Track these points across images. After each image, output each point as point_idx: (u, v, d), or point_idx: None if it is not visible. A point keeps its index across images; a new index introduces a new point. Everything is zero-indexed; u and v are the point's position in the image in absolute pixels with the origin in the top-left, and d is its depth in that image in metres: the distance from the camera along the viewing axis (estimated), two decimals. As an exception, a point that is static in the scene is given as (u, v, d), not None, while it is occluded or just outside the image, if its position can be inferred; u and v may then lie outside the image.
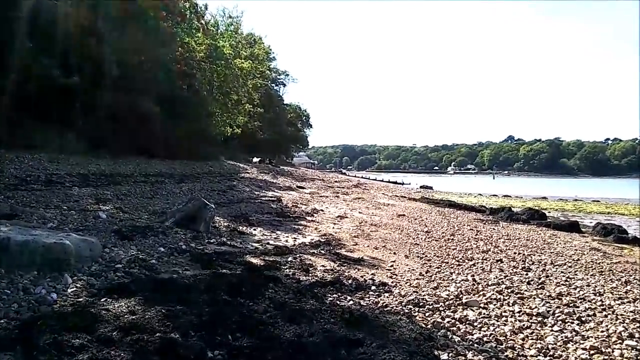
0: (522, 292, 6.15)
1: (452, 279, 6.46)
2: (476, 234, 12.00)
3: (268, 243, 7.34)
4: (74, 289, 4.15)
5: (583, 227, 16.45)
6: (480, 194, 43.57)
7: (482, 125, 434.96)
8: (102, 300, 3.92)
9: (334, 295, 4.95)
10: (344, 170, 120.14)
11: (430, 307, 5.04)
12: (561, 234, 14.33)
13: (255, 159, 34.61)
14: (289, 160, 63.21)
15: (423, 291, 5.63)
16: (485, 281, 6.57)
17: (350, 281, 5.55)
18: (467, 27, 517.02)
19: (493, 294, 5.85)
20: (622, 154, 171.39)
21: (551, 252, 10.09)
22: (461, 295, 5.60)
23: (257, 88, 30.61)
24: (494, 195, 42.78)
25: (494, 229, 13.82)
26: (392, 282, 5.86)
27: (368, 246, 8.29)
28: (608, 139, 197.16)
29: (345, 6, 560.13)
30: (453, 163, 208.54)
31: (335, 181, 33.30)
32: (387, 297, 5.21)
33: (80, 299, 3.92)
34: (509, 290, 6.13)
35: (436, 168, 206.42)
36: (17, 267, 4.25)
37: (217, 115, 24.21)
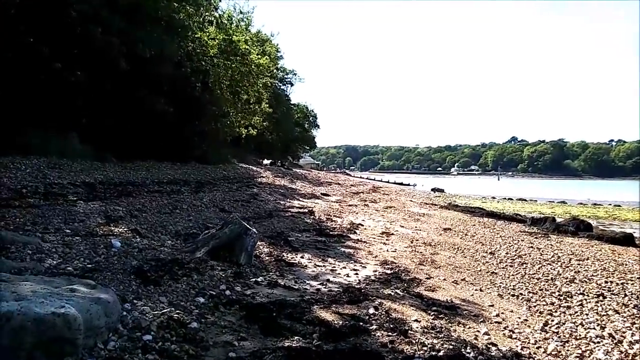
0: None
1: (586, 337, 4.83)
2: (540, 254, 10.41)
3: (328, 280, 5.71)
4: (85, 398, 2.54)
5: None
6: (494, 197, 41.95)
7: (486, 126, 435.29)
8: None
9: (468, 386, 3.32)
10: (347, 171, 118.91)
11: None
12: (619, 249, 12.81)
13: (266, 161, 33.06)
14: (296, 161, 61.61)
15: (572, 365, 4.01)
16: (620, 334, 4.99)
17: (471, 352, 3.91)
18: (470, 28, 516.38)
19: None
20: (626, 155, 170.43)
21: (638, 278, 8.55)
22: (624, 371, 4.00)
23: (266, 87, 28.99)
24: (509, 198, 41.13)
25: (551, 245, 12.22)
26: (521, 349, 4.22)
27: (445, 279, 6.66)
28: (612, 140, 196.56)
29: (347, 6, 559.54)
30: (456, 164, 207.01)
31: (351, 185, 31.60)
32: (537, 382, 3.59)
33: None
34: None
35: (439, 169, 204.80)
36: (-5, 357, 2.65)
37: (232, 115, 22.59)
